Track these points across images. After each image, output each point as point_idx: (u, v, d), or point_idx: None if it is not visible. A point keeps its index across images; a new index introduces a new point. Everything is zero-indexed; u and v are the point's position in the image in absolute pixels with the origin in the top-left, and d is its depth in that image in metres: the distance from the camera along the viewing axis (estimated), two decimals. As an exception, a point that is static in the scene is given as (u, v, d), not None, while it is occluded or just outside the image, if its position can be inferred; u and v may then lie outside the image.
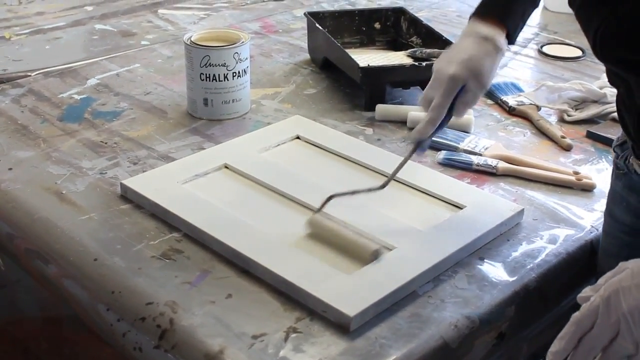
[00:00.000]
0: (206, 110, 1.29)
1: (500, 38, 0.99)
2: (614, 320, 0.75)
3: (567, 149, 1.23)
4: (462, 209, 1.03)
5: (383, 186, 1.02)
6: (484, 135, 1.27)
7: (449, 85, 0.98)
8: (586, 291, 0.79)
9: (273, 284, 0.90)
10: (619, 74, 0.84)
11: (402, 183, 1.09)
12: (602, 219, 1.05)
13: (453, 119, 1.02)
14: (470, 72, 0.97)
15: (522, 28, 1.03)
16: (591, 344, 0.76)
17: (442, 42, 1.43)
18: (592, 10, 0.82)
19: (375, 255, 0.92)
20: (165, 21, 1.77)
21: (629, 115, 0.86)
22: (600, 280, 0.78)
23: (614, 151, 0.98)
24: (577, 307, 0.78)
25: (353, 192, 1.01)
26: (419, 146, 1.01)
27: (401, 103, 1.37)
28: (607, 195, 1.03)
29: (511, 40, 1.01)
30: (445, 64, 0.99)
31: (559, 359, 0.78)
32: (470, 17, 1.02)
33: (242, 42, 1.28)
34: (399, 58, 1.47)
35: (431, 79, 1.01)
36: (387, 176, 1.09)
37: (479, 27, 0.99)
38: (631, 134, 0.88)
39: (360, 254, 0.93)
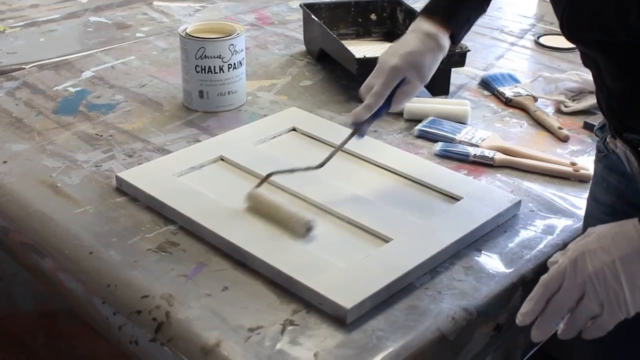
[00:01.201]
0: (202, 102, 1.28)
1: (444, 37, 1.04)
2: (580, 281, 0.78)
3: (564, 139, 1.23)
4: (459, 200, 1.03)
5: (320, 166, 1.05)
6: (481, 126, 1.26)
7: (390, 75, 1.03)
8: (556, 256, 0.81)
9: (269, 276, 0.89)
10: (588, 54, 0.86)
11: (399, 175, 1.09)
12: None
13: (449, 109, 1.02)
14: (410, 65, 1.03)
15: (466, 31, 1.08)
16: (558, 305, 0.79)
17: (438, 33, 1.43)
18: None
19: (307, 228, 0.95)
20: (160, 13, 1.77)
21: (601, 94, 0.89)
22: (570, 245, 0.81)
23: (595, 134, 1.00)
24: (546, 271, 0.80)
25: (292, 170, 1.05)
26: (356, 131, 1.06)
27: (397, 94, 1.36)
28: None
29: (454, 41, 1.06)
30: (388, 56, 1.04)
31: (528, 320, 0.80)
32: (417, 14, 1.06)
33: (238, 33, 1.27)
34: (395, 49, 1.47)
35: (374, 69, 1.06)
36: (383, 167, 1.09)
37: (424, 24, 1.04)
38: (605, 113, 0.90)
39: (294, 227, 0.95)
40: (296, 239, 0.94)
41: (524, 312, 0.80)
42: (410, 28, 1.06)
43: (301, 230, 0.95)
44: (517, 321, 0.81)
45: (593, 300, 0.77)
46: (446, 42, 1.05)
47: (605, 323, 0.78)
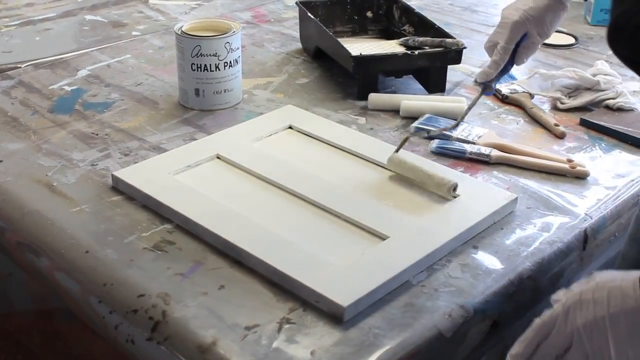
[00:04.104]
0: (198, 100, 1.28)
1: None
2: (569, 332, 0.75)
3: (561, 136, 1.23)
4: (455, 197, 1.03)
5: (455, 126, 1.14)
6: (477, 123, 1.26)
7: (513, 30, 1.10)
8: (559, 294, 0.78)
9: (266, 274, 0.89)
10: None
11: (395, 172, 1.08)
12: (596, 207, 1.05)
13: (445, 107, 1.03)
14: (532, 21, 1.10)
15: None
16: (547, 351, 0.77)
17: (434, 31, 1.43)
18: (614, 4, 0.83)
19: (454, 188, 1.01)
20: (156, 11, 1.76)
21: None
22: (573, 286, 0.77)
23: None
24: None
25: (427, 133, 1.14)
26: (485, 89, 1.13)
27: (394, 92, 1.36)
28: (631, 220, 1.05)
29: None
30: (511, 11, 1.11)
31: None
32: None
33: (234, 31, 1.27)
34: (392, 47, 1.47)
35: (497, 25, 1.13)
36: (379, 165, 1.09)
37: None
38: None
39: (440, 188, 1.02)
40: (293, 238, 0.94)
41: (514, 353, 0.78)
42: None
43: (447, 192, 1.01)
44: None
45: (579, 353, 0.74)
46: None
47: None
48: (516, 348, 0.78)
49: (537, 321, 0.78)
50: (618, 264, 1.04)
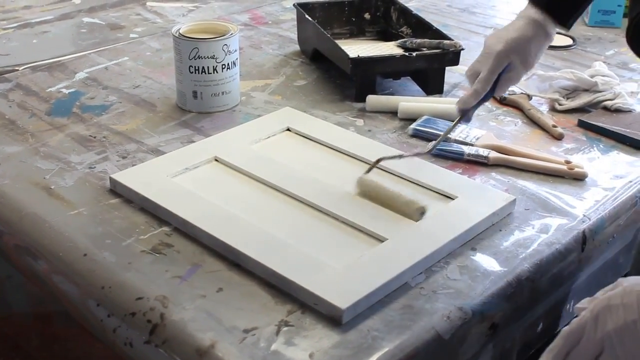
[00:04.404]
0: (195, 103, 1.28)
1: (549, 25, 1.07)
2: (599, 338, 0.75)
3: (559, 138, 1.23)
4: (453, 199, 1.03)
5: (430, 151, 1.11)
6: (475, 125, 1.26)
7: (496, 61, 1.07)
8: (583, 302, 0.78)
9: (264, 277, 0.89)
10: None
11: (393, 174, 1.08)
12: (594, 208, 1.05)
13: (444, 108, 1.03)
14: (516, 52, 1.06)
15: (577, 17, 1.10)
16: (577, 359, 0.77)
17: (432, 32, 1.43)
18: (633, 4, 0.84)
19: (421, 212, 0.98)
20: (153, 14, 1.76)
21: None
22: (598, 293, 0.78)
23: None
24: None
25: (400, 156, 1.08)
26: (464, 116, 1.10)
27: (391, 94, 1.36)
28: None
29: (565, 26, 1.09)
30: (494, 42, 1.08)
31: None
32: (528, 1, 1.09)
33: (231, 34, 1.27)
34: (389, 48, 1.47)
35: (480, 54, 1.10)
36: (377, 167, 1.09)
37: (530, 11, 1.07)
38: None
39: (408, 212, 0.98)
40: (291, 241, 0.94)
41: None
42: (517, 15, 1.09)
43: (415, 215, 0.98)
44: None
45: (611, 358, 0.74)
46: (552, 29, 1.08)
47: None
48: (545, 358, 0.78)
49: (566, 329, 0.77)
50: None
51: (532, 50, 1.07)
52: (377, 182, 1.03)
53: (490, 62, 1.07)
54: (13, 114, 1.27)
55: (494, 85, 1.09)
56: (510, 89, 1.35)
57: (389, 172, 1.09)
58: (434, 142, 1.12)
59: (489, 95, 1.10)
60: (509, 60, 1.07)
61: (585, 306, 0.77)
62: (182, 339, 0.81)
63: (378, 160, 1.07)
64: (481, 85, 1.08)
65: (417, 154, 1.10)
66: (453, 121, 1.24)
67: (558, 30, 1.10)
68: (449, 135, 1.18)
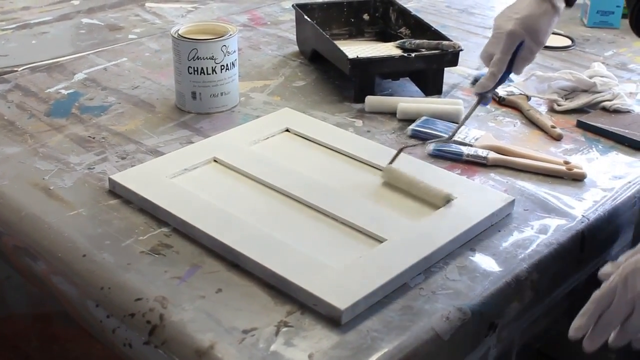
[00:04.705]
0: (194, 103, 1.28)
1: None
2: (630, 298, 0.81)
3: (558, 138, 1.23)
4: (452, 200, 1.03)
5: (450, 138, 1.12)
6: (474, 125, 1.26)
7: (508, 41, 1.07)
8: (607, 267, 0.85)
9: (263, 277, 0.89)
10: None
11: (390, 183, 1.08)
12: (593, 208, 1.05)
13: (442, 109, 1.03)
14: (526, 30, 1.07)
15: None
16: (609, 320, 0.83)
17: (431, 33, 1.43)
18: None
19: (447, 200, 1.00)
20: (152, 14, 1.76)
21: None
22: (621, 258, 0.85)
23: None
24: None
25: (423, 142, 1.13)
26: (482, 99, 1.11)
27: (390, 94, 1.36)
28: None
29: (569, 2, 1.10)
30: (504, 21, 1.08)
31: (580, 334, 0.84)
32: None
33: (230, 34, 1.27)
34: (388, 49, 1.47)
35: (491, 35, 1.11)
36: (376, 167, 1.09)
37: None
38: None
39: (433, 200, 1.01)
40: (290, 241, 0.94)
41: (577, 326, 0.84)
42: None
43: (441, 202, 1.00)
44: (569, 336, 0.84)
45: None
46: (561, 3, 1.08)
47: None
48: (578, 322, 0.84)
49: (597, 293, 0.83)
50: None
51: (542, 27, 1.07)
52: (402, 171, 1.06)
53: (503, 42, 1.07)
54: (12, 115, 1.27)
55: (510, 65, 1.10)
56: (509, 89, 1.35)
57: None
58: (453, 129, 1.14)
59: (506, 75, 1.11)
60: (521, 39, 1.07)
61: (610, 271, 0.83)
62: (182, 339, 0.81)
63: (401, 149, 1.09)
64: (497, 67, 1.08)
65: (439, 140, 1.12)
66: (452, 122, 1.24)
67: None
68: (446, 135, 1.19)
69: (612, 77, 1.36)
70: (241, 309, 0.85)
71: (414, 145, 1.12)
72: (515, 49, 1.09)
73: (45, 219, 1.00)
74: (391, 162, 1.08)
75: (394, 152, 1.13)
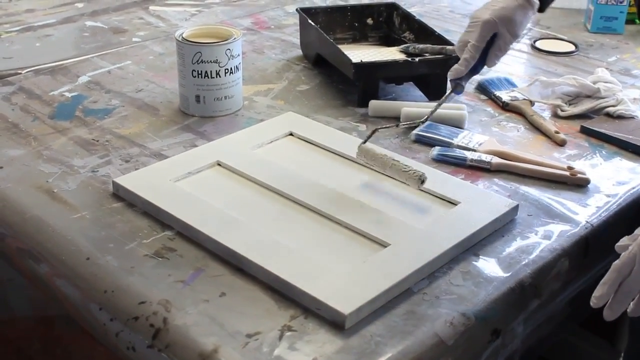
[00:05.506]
0: (198, 107, 1.28)
1: None
2: None
3: (561, 144, 1.23)
4: (456, 205, 1.03)
5: (425, 120, 1.14)
6: (478, 130, 1.26)
7: (483, 29, 1.11)
8: (624, 240, 0.89)
9: (267, 281, 0.89)
10: None
11: (396, 179, 1.08)
12: (597, 214, 1.05)
13: (446, 114, 1.03)
14: (502, 20, 1.11)
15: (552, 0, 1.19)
16: (630, 288, 0.86)
17: (434, 38, 1.43)
18: None
19: (422, 180, 1.01)
20: (156, 18, 1.76)
21: None
22: (637, 231, 0.88)
23: None
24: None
25: (397, 125, 1.14)
26: (455, 88, 1.13)
27: (394, 99, 1.36)
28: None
29: (541, 6, 1.15)
30: (481, 11, 1.13)
31: (602, 302, 0.87)
32: None
33: (234, 38, 1.27)
34: (392, 54, 1.47)
35: (467, 25, 1.15)
36: (380, 172, 1.09)
37: None
38: None
39: (409, 180, 1.02)
40: (294, 245, 0.94)
41: (598, 295, 0.87)
42: None
43: (416, 183, 1.01)
44: (591, 303, 0.87)
45: None
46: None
47: None
48: (599, 290, 0.87)
49: (617, 263, 0.86)
50: None
51: (517, 19, 1.12)
52: (377, 151, 1.06)
53: (478, 31, 1.11)
54: (16, 118, 1.27)
55: (484, 55, 1.12)
56: (513, 94, 1.35)
57: (390, 178, 1.09)
58: (430, 111, 1.15)
59: (480, 66, 1.14)
60: (496, 29, 1.11)
61: (627, 243, 0.87)
62: (185, 343, 0.81)
63: (374, 130, 1.10)
64: (470, 53, 1.11)
65: (412, 123, 1.14)
66: (455, 127, 1.24)
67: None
68: (450, 140, 1.19)
69: (615, 83, 1.36)
70: (245, 313, 0.85)
71: (388, 127, 1.14)
72: (490, 40, 1.12)
73: (48, 221, 1.00)
74: (365, 142, 1.09)
75: (399, 156, 1.13)
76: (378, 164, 1.05)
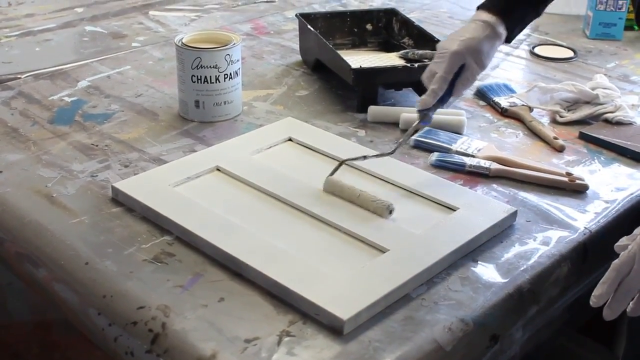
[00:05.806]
0: (198, 112, 1.28)
1: (500, 26, 1.13)
2: None
3: (560, 150, 1.23)
4: (455, 210, 1.03)
5: (392, 152, 1.11)
6: (477, 136, 1.26)
7: (451, 60, 1.11)
8: (623, 240, 0.89)
9: (265, 287, 0.89)
10: None
11: (394, 185, 1.09)
12: (595, 220, 1.05)
13: (445, 119, 1.02)
14: (469, 51, 1.11)
15: (520, 30, 1.18)
16: (630, 287, 0.86)
17: (433, 43, 1.42)
18: None
19: (390, 210, 1.00)
20: (156, 23, 1.77)
21: None
22: (636, 231, 0.88)
23: None
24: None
25: (364, 157, 1.10)
26: (423, 118, 1.12)
27: (393, 104, 1.37)
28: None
29: (509, 37, 1.15)
30: (448, 42, 1.13)
31: (601, 302, 0.87)
32: (477, 8, 1.16)
33: (234, 43, 1.27)
34: (391, 59, 1.47)
35: (435, 56, 1.14)
36: (379, 177, 1.10)
37: (482, 15, 1.14)
38: None
39: (377, 210, 1.01)
40: (292, 251, 0.94)
41: (598, 294, 0.87)
42: (469, 19, 1.16)
43: (385, 213, 1.00)
44: (591, 303, 0.87)
45: None
46: (503, 30, 1.13)
47: None
48: (599, 290, 0.87)
49: (616, 262, 0.87)
50: None
51: (485, 50, 1.12)
52: (344, 182, 1.05)
53: (446, 62, 1.11)
54: (15, 122, 1.27)
55: (451, 86, 1.12)
56: (511, 100, 1.36)
57: (390, 183, 1.09)
58: (398, 142, 1.14)
59: (447, 97, 1.13)
60: (464, 60, 1.11)
61: (626, 243, 0.87)
62: (184, 348, 0.81)
63: (342, 162, 1.09)
64: (438, 84, 1.11)
65: (380, 155, 1.11)
66: (454, 133, 1.24)
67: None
68: (449, 145, 1.19)
69: (614, 89, 1.37)
70: (243, 318, 0.85)
71: (355, 159, 1.10)
72: (458, 70, 1.12)
73: (47, 226, 1.00)
74: (331, 174, 1.07)
75: (396, 161, 1.13)
76: (345, 195, 1.04)
